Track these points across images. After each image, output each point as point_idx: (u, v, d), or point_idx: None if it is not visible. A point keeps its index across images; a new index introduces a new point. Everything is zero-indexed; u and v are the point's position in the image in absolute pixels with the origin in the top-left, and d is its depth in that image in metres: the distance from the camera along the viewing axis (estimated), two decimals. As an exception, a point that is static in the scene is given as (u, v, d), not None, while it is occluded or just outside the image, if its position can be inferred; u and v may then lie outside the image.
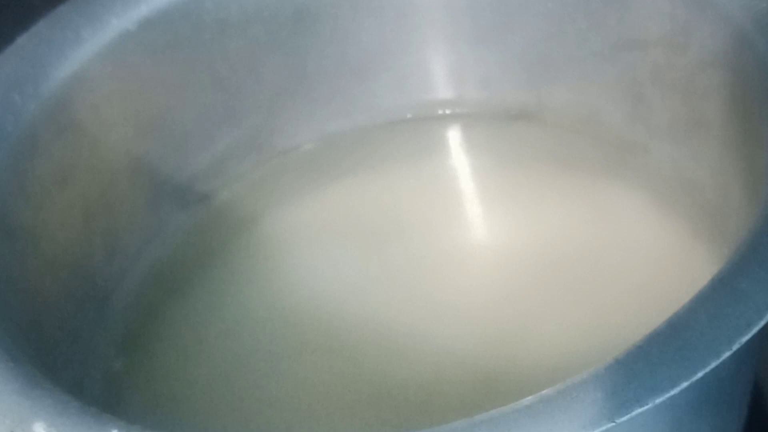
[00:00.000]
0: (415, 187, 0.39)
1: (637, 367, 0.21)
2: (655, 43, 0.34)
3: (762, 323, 0.22)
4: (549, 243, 0.36)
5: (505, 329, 0.33)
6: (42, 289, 0.32)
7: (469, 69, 0.40)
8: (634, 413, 0.21)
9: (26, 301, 0.30)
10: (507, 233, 0.37)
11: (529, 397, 0.21)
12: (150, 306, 0.36)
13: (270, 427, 0.32)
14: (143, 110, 0.36)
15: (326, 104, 0.40)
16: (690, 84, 0.34)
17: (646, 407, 0.21)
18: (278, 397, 0.33)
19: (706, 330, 0.22)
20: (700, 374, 0.21)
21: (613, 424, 0.21)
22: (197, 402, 0.33)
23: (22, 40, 0.34)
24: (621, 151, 0.37)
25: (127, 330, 0.35)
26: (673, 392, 0.21)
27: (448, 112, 0.41)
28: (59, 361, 0.31)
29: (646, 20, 0.34)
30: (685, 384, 0.21)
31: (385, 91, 0.40)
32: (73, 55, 0.34)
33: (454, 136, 0.41)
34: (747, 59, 0.30)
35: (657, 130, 0.36)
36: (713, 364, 0.21)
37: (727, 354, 0.21)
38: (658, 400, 0.21)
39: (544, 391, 0.22)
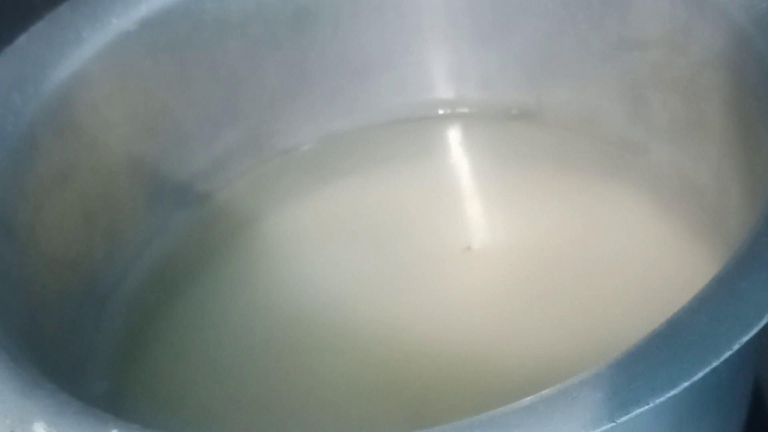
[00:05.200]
0: (415, 186, 0.39)
1: (637, 367, 0.21)
2: (655, 43, 0.34)
3: (762, 323, 0.22)
4: (548, 242, 0.36)
5: (506, 327, 0.33)
6: (42, 289, 0.32)
7: (469, 69, 0.40)
8: (634, 413, 0.21)
9: (26, 301, 0.30)
10: (507, 232, 0.37)
11: (529, 397, 0.21)
12: (150, 306, 0.36)
13: (270, 427, 0.32)
14: (143, 110, 0.36)
15: (326, 104, 0.40)
16: (690, 84, 0.34)
17: (646, 407, 0.21)
18: (279, 396, 0.33)
19: (706, 330, 0.22)
20: (700, 374, 0.21)
21: (613, 424, 0.21)
22: (197, 402, 0.33)
23: (22, 40, 0.34)
24: (621, 151, 0.37)
25: (127, 329, 0.35)
26: (673, 392, 0.21)
27: (448, 112, 0.41)
28: (59, 361, 0.31)
29: (646, 20, 0.34)
30: (685, 384, 0.21)
31: (385, 91, 0.40)
32: (73, 55, 0.34)
33: (454, 136, 0.41)
34: (747, 59, 0.30)
35: (657, 130, 0.36)
36: (713, 364, 0.21)
37: (727, 354, 0.21)
38: (658, 400, 0.21)
39: (544, 391, 0.22)
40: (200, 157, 0.38)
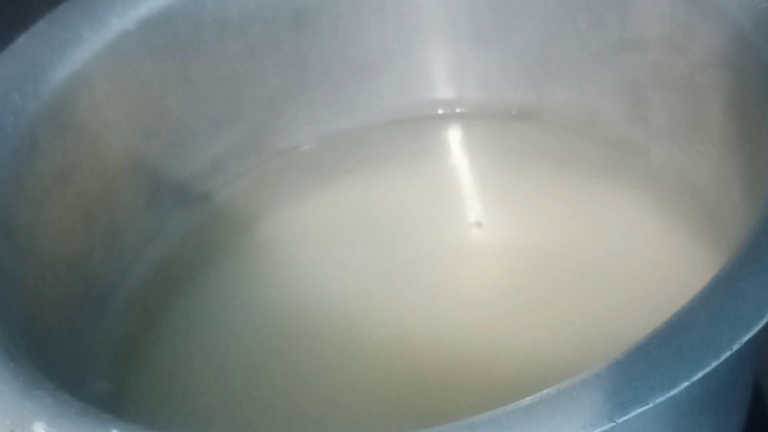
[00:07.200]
0: (415, 186, 0.39)
1: (637, 367, 0.21)
2: (655, 43, 0.34)
3: (762, 323, 0.22)
4: (548, 242, 0.36)
5: (506, 326, 0.33)
6: (42, 289, 0.32)
7: (469, 69, 0.40)
8: (634, 413, 0.21)
9: (26, 301, 0.30)
10: (506, 232, 0.37)
11: (529, 397, 0.21)
12: (150, 306, 0.36)
13: (271, 426, 0.32)
14: (143, 110, 0.36)
15: (326, 104, 0.40)
16: (690, 84, 0.34)
17: (646, 407, 0.21)
18: (279, 396, 0.33)
19: (706, 330, 0.22)
20: (700, 374, 0.21)
21: (613, 424, 0.21)
22: (197, 402, 0.33)
23: (22, 40, 0.34)
24: (621, 152, 0.37)
25: (127, 329, 0.35)
26: (673, 392, 0.21)
27: (448, 112, 0.41)
28: (59, 362, 0.31)
29: (646, 20, 0.34)
30: (685, 384, 0.21)
31: (385, 91, 0.40)
32: (73, 55, 0.34)
33: (454, 136, 0.41)
34: (747, 59, 0.30)
35: (657, 130, 0.36)
36: (713, 365, 0.21)
37: (727, 354, 0.21)
38: (658, 400, 0.21)
39: (544, 391, 0.22)
40: (200, 157, 0.38)
